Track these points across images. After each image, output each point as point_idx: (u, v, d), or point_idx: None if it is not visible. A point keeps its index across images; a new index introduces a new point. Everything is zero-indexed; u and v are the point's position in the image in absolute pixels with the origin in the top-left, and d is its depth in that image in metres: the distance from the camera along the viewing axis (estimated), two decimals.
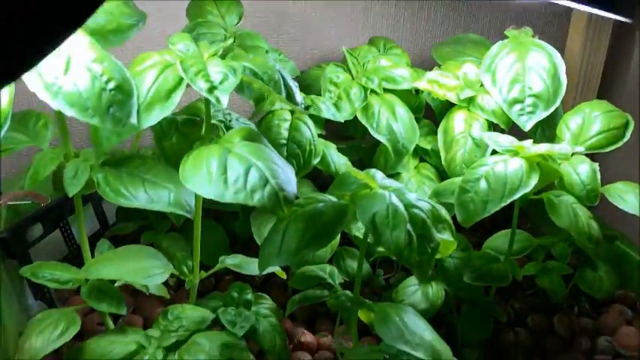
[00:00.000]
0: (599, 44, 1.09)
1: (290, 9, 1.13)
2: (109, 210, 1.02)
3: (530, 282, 1.00)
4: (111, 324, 0.82)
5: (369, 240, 0.75)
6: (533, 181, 0.80)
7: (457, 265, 0.90)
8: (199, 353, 0.71)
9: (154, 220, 0.97)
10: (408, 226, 0.66)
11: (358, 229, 0.87)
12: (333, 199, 0.72)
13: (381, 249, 0.90)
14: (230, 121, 0.79)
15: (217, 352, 0.72)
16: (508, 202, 0.79)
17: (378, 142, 1.02)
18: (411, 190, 0.93)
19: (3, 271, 0.84)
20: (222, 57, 0.69)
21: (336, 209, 0.70)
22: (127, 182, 0.68)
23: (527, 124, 0.92)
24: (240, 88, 0.78)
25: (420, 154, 1.04)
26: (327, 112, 0.94)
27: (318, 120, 0.94)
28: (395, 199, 0.68)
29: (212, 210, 0.94)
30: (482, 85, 0.97)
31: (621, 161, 1.03)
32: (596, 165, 0.89)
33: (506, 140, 0.84)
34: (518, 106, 0.93)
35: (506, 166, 0.81)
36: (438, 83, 0.99)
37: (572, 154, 0.90)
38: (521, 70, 0.94)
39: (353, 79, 1.01)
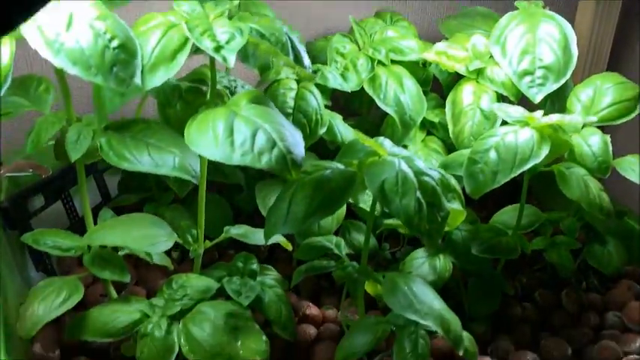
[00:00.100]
0: (609, 17, 1.07)
1: None
2: (110, 183, 1.00)
3: (537, 257, 0.99)
4: (114, 293, 0.81)
5: (375, 212, 0.74)
6: (544, 151, 0.78)
7: (465, 237, 0.88)
8: (204, 322, 0.70)
9: (157, 192, 0.95)
10: (418, 194, 0.65)
11: (365, 202, 0.85)
12: (341, 166, 0.70)
13: (388, 221, 0.89)
14: (235, 87, 0.77)
15: (222, 320, 0.71)
16: (518, 172, 0.78)
17: (384, 117, 1.01)
18: None
19: (4, 242, 0.83)
20: (229, 19, 0.67)
21: (344, 176, 0.68)
22: (130, 146, 0.66)
23: (537, 96, 0.91)
24: (245, 56, 0.76)
25: (428, 127, 1.03)
26: (334, 81, 0.93)
27: (324, 90, 0.92)
28: (404, 166, 0.67)
29: (215, 183, 0.92)
30: (491, 56, 0.95)
31: (630, 135, 1.02)
32: (608, 136, 0.88)
33: (517, 111, 0.82)
34: (528, 78, 0.91)
35: (517, 136, 0.79)
36: (446, 54, 0.97)
37: (583, 126, 0.88)
38: (531, 41, 0.92)
39: (360, 49, 0.99)
